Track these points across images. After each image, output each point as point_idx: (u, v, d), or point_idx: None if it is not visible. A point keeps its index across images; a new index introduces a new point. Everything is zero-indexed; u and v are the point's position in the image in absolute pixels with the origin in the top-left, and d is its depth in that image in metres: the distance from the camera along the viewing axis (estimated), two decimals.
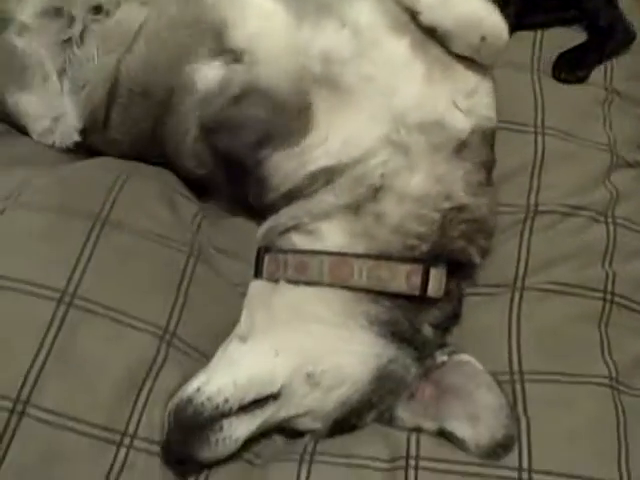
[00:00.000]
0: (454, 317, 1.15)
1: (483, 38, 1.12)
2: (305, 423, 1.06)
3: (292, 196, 1.14)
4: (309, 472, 1.03)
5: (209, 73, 1.17)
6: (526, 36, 1.49)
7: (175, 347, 1.08)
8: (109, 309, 1.06)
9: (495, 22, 1.12)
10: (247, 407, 0.99)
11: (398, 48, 1.13)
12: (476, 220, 1.13)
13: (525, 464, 1.02)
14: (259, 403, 1.00)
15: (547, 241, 1.23)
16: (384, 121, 1.11)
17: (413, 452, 1.04)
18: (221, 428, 0.98)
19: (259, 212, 1.21)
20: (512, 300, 1.18)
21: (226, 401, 0.98)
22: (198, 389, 0.98)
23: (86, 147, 1.35)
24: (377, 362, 1.06)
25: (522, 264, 1.21)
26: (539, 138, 1.31)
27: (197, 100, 1.18)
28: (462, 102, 1.13)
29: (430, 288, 1.08)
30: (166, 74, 1.23)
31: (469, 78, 1.15)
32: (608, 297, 1.18)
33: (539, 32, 1.50)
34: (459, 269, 1.14)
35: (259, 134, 1.13)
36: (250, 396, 0.99)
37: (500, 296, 1.19)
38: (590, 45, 1.48)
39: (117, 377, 1.03)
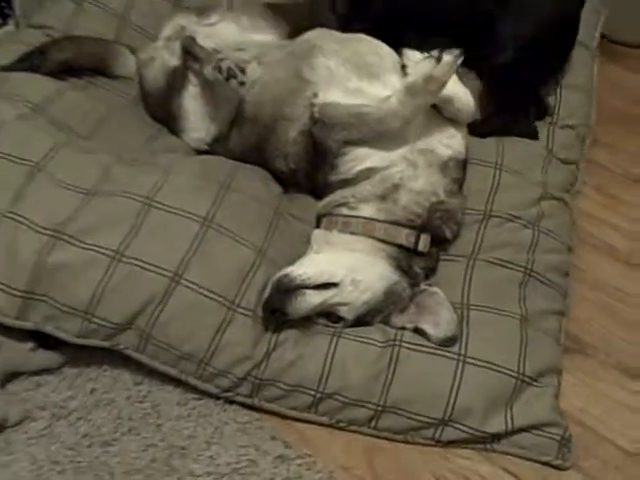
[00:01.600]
0: (433, 268, 1.86)
1: (459, 110, 1.86)
2: (343, 312, 1.72)
3: (346, 182, 1.85)
4: (337, 342, 1.72)
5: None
6: None
7: (267, 259, 1.78)
8: (229, 231, 1.77)
9: (467, 101, 1.86)
10: (318, 287, 1.68)
11: None
12: (449, 211, 1.85)
13: (462, 352, 1.70)
14: (326, 286, 1.68)
15: (494, 234, 1.92)
16: (404, 146, 1.83)
17: (398, 338, 1.74)
18: (303, 294, 1.66)
19: (320, 193, 1.92)
20: (467, 265, 1.87)
21: (308, 279, 1.66)
22: (291, 272, 1.67)
23: (210, 151, 2.10)
24: (388, 281, 1.75)
25: (477, 245, 1.91)
26: (497, 172, 2.01)
27: (305, 114, 1.88)
28: (445, 140, 1.86)
29: (419, 245, 1.80)
30: (271, 109, 1.97)
31: (450, 128, 1.88)
32: (527, 272, 1.85)
33: None
34: (438, 241, 1.86)
35: (357, 136, 1.81)
36: (322, 279, 1.67)
37: (461, 262, 1.88)
38: None
39: (232, 270, 1.73)
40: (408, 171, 1.82)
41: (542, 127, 2.18)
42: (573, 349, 1.87)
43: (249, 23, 2.15)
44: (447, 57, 1.71)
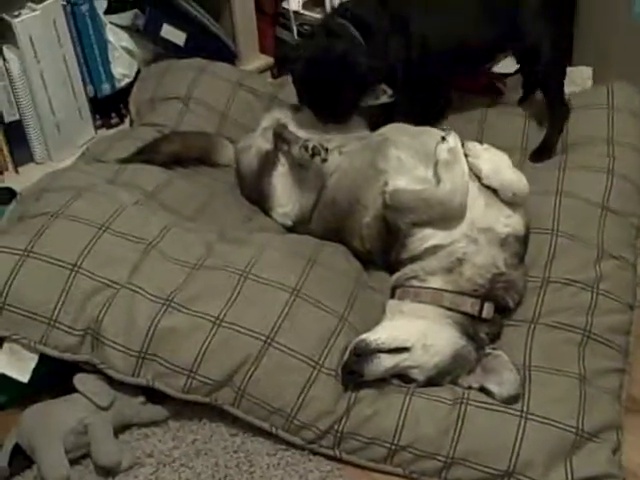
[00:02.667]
0: (497, 334, 2.04)
1: (514, 194, 2.05)
2: (414, 374, 1.91)
3: (415, 258, 2.07)
4: (410, 399, 1.91)
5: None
6: None
7: (348, 325, 2.00)
8: (316, 301, 2.01)
9: (521, 186, 2.05)
10: (392, 351, 1.88)
11: (473, 188, 2.05)
12: (510, 282, 2.04)
13: (525, 409, 1.86)
14: (399, 351, 1.89)
15: (553, 299, 2.09)
16: (465, 225, 2.04)
17: (466, 396, 1.91)
18: (378, 357, 1.86)
19: (392, 268, 2.15)
20: (529, 329, 2.04)
21: (382, 343, 1.87)
22: (367, 337, 1.88)
23: (293, 230, 2.37)
24: (455, 346, 1.93)
25: (537, 311, 2.08)
26: (553, 238, 2.20)
27: (378, 201, 2.12)
28: (503, 220, 2.04)
29: (483, 312, 1.99)
30: (348, 195, 2.22)
31: (509, 209, 2.06)
32: (586, 334, 2.01)
33: None
34: (501, 309, 2.05)
35: (423, 219, 2.04)
36: (395, 344, 1.88)
37: (523, 327, 2.05)
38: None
39: (317, 334, 1.96)
40: (470, 247, 2.03)
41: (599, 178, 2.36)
42: (635, 409, 2.00)
43: None
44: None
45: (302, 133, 2.37)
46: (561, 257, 2.18)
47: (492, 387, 1.92)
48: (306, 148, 2.24)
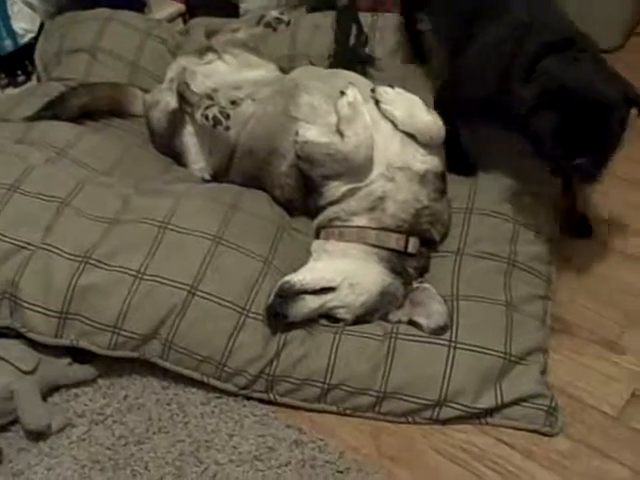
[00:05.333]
0: (424, 267, 2.05)
1: (431, 138, 2.03)
2: (342, 313, 1.92)
3: (334, 202, 2.05)
4: (340, 338, 1.91)
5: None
6: None
7: (273, 268, 1.98)
8: (238, 246, 1.98)
9: (437, 128, 2.02)
10: (317, 292, 1.87)
11: (387, 129, 2.04)
12: (434, 214, 2.04)
13: (453, 339, 1.89)
14: (324, 291, 1.88)
15: (476, 229, 2.11)
16: (381, 165, 2.02)
17: (395, 331, 1.92)
18: (303, 299, 1.85)
19: (314, 212, 2.12)
20: (455, 260, 2.06)
21: (307, 284, 1.86)
22: (291, 279, 1.87)
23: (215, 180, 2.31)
24: (382, 283, 1.94)
25: (462, 241, 2.10)
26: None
27: (293, 150, 2.07)
28: (420, 157, 2.03)
29: (409, 247, 1.99)
30: (264, 144, 2.17)
31: (425, 148, 2.04)
32: (511, 263, 2.04)
33: None
34: (427, 242, 2.05)
35: (332, 173, 2.03)
36: (320, 284, 1.87)
37: (449, 258, 2.07)
38: None
39: (242, 280, 1.93)
40: (388, 186, 2.01)
41: None
42: (559, 329, 2.04)
43: (241, 61, 2.37)
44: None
45: (210, 83, 2.30)
46: (483, 189, 2.20)
47: (420, 320, 1.93)
48: (207, 117, 2.17)
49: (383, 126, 2.04)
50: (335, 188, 2.03)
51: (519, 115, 1.87)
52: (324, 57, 2.55)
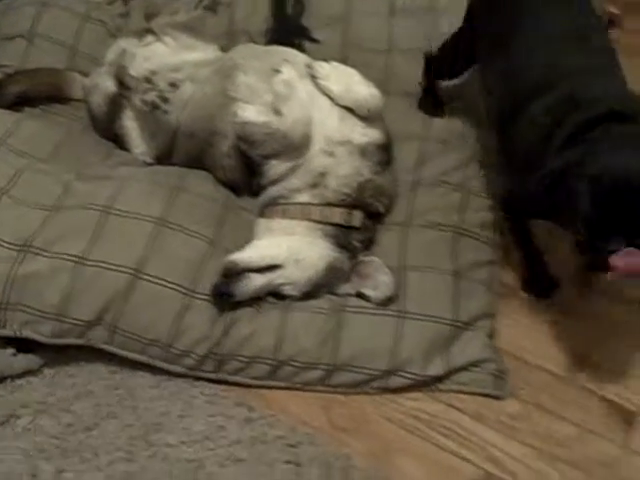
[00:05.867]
0: (371, 240, 2.04)
1: (369, 110, 2.02)
2: (289, 290, 1.91)
3: (276, 181, 2.03)
4: (287, 314, 1.90)
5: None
6: None
7: (219, 248, 1.96)
8: (183, 228, 1.96)
9: (375, 101, 2.01)
10: (263, 270, 1.87)
11: (325, 104, 2.02)
12: (378, 187, 2.03)
13: (401, 309, 1.89)
14: (270, 268, 1.88)
15: (423, 200, 2.11)
16: (321, 141, 2.00)
17: (342, 304, 1.92)
18: (247, 277, 1.85)
19: (257, 191, 2.10)
20: (402, 231, 2.06)
21: (251, 263, 1.85)
22: (235, 258, 1.86)
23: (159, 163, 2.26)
24: (328, 258, 1.93)
25: (409, 212, 2.09)
26: (422, 144, 2.21)
27: (233, 131, 2.05)
28: (360, 130, 2.02)
29: (353, 221, 1.98)
30: (205, 125, 2.13)
31: (365, 121, 2.03)
32: (458, 231, 2.04)
33: None
34: (372, 215, 2.04)
35: (271, 152, 2.01)
36: (264, 262, 1.87)
37: (396, 230, 2.07)
38: None
39: (187, 261, 1.91)
40: (329, 161, 2.00)
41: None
42: (506, 294, 2.05)
43: (181, 43, 2.33)
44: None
45: (150, 65, 2.25)
46: (430, 160, 2.20)
47: (368, 292, 1.93)
48: (145, 102, 2.14)
49: (321, 101, 2.03)
50: (276, 167, 2.02)
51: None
52: (263, 33, 2.51)
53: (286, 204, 2.02)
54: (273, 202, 2.03)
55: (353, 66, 2.09)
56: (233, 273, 1.84)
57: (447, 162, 2.20)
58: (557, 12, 1.86)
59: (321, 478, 1.70)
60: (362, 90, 2.02)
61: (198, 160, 2.19)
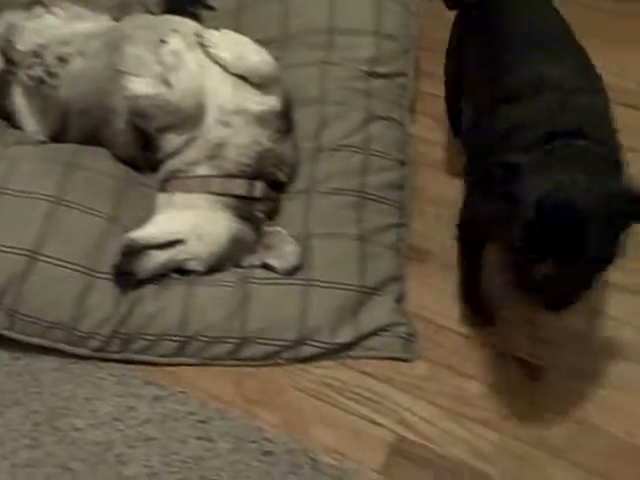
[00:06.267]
0: (274, 210, 2.02)
1: (261, 77, 1.99)
2: (193, 265, 1.88)
3: (173, 154, 1.98)
4: (193, 289, 1.87)
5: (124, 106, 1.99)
6: None
7: (120, 225, 1.91)
8: (81, 206, 1.90)
9: (268, 68, 1.98)
10: (164, 246, 1.83)
11: (216, 73, 1.97)
12: (278, 156, 2.01)
13: (307, 277, 1.88)
14: (172, 244, 1.84)
15: (325, 166, 2.07)
16: (215, 111, 1.96)
17: (248, 276, 1.91)
18: (148, 254, 1.81)
19: (156, 166, 2.03)
20: (306, 199, 2.02)
21: (152, 239, 1.81)
22: (135, 235, 1.81)
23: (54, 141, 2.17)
24: (231, 230, 1.90)
25: (312, 179, 2.06)
26: (321, 108, 2.17)
27: (126, 106, 1.99)
28: (255, 99, 1.98)
29: (255, 192, 1.96)
30: (97, 101, 2.05)
31: (260, 89, 1.99)
32: (361, 195, 2.02)
33: None
34: (274, 185, 2.02)
35: (165, 125, 1.96)
36: (165, 238, 1.83)
37: (299, 198, 2.04)
38: None
39: (87, 240, 1.86)
40: (225, 131, 1.96)
41: (365, 41, 2.30)
42: (416, 258, 2.06)
43: (71, 13, 2.24)
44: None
45: (39, 39, 2.16)
46: (330, 125, 2.16)
47: (273, 262, 1.91)
48: (31, 77, 2.06)
49: (212, 71, 1.98)
50: (172, 140, 1.96)
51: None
52: (158, 3, 2.44)
53: (185, 177, 1.97)
54: (172, 176, 1.98)
55: (249, 30, 2.06)
56: (133, 251, 1.80)
57: (346, 125, 2.16)
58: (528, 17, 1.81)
59: (233, 452, 1.69)
60: (254, 57, 1.98)
61: (94, 137, 2.11)
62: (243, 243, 1.93)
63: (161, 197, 1.98)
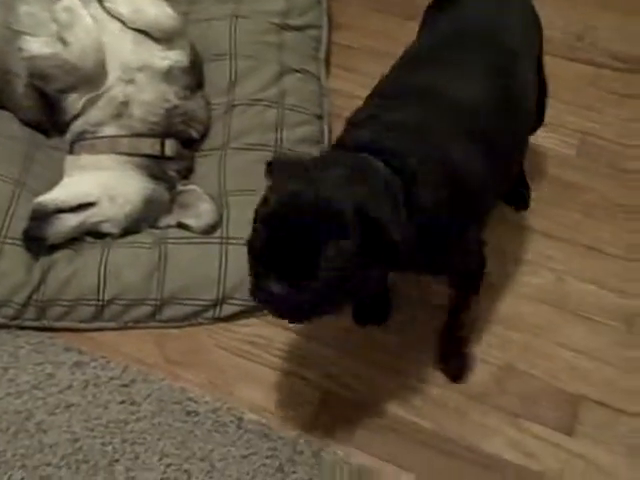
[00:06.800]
0: (189, 168, 1.99)
1: (162, 31, 1.94)
2: (107, 228, 1.85)
3: (78, 115, 1.93)
4: (108, 252, 1.84)
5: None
6: None
7: (28, 189, 1.87)
8: None
9: (169, 22, 1.94)
10: (76, 209, 1.79)
11: (115, 30, 1.93)
12: (187, 113, 1.97)
13: (224, 235, 1.86)
14: (83, 207, 1.80)
15: (240, 122, 2.05)
16: (117, 68, 1.91)
17: (165, 236, 1.87)
18: (59, 218, 1.76)
19: (62, 129, 1.98)
20: (220, 156, 2.00)
21: (62, 202, 1.77)
22: (44, 199, 1.77)
23: None
24: (144, 191, 1.87)
25: (226, 136, 2.03)
26: (232, 62, 2.13)
27: (25, 68, 1.93)
28: (159, 54, 1.94)
29: (166, 150, 1.92)
30: None
31: (163, 43, 1.95)
32: (278, 150, 2.01)
33: None
34: (187, 143, 1.99)
35: (65, 85, 1.91)
36: (76, 201, 1.79)
37: (214, 155, 2.01)
38: None
39: None
40: (129, 89, 1.91)
41: None
42: None
43: None
44: None
45: None
46: (243, 79, 2.13)
47: (189, 221, 1.89)
48: None
49: (111, 26, 1.93)
50: (74, 101, 1.91)
51: None
52: None
53: (93, 139, 1.92)
54: (80, 138, 1.93)
55: None
56: (43, 215, 1.75)
57: (259, 79, 2.14)
58: None
59: (157, 414, 1.67)
60: (152, 10, 1.93)
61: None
62: (157, 203, 1.89)
63: (69, 160, 1.93)
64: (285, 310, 1.33)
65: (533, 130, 1.82)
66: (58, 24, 1.86)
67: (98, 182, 1.84)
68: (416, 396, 1.74)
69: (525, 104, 1.58)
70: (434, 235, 1.33)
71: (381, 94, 1.54)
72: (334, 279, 1.23)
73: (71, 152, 1.95)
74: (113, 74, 1.90)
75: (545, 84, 1.82)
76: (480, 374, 1.76)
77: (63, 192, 1.81)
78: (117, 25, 1.93)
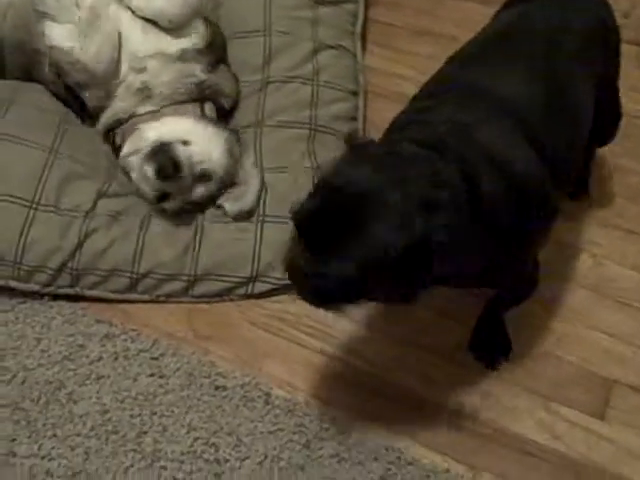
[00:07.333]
0: None
1: (170, 21, 1.92)
2: (209, 166, 1.83)
3: (102, 107, 1.93)
4: (147, 224, 1.85)
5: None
6: None
7: (60, 156, 1.88)
8: (16, 138, 1.87)
9: (176, 11, 1.91)
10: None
11: (125, 19, 1.91)
12: (212, 86, 1.96)
13: (261, 212, 1.86)
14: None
15: (274, 99, 2.04)
16: (128, 59, 1.89)
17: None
18: (177, 146, 1.78)
19: (92, 115, 1.97)
20: (255, 133, 1.99)
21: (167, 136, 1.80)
22: (152, 135, 1.81)
23: None
24: (222, 132, 1.89)
25: (260, 114, 2.02)
26: (266, 39, 2.12)
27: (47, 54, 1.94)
28: (170, 40, 1.92)
29: (207, 112, 1.93)
30: (26, 37, 1.98)
31: (174, 31, 1.92)
32: (312, 127, 2.00)
33: None
34: (219, 112, 1.98)
35: (79, 81, 1.91)
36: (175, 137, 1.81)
37: (249, 132, 2.00)
38: None
39: (26, 172, 1.83)
40: (144, 76, 1.90)
41: None
42: None
43: None
44: None
45: None
46: (277, 56, 2.11)
47: (226, 205, 1.88)
48: None
49: (123, 16, 1.92)
50: (91, 94, 1.92)
51: None
52: None
53: (142, 115, 1.91)
54: (115, 125, 1.93)
55: None
56: (163, 145, 1.77)
57: (294, 55, 2.11)
58: None
59: (185, 388, 1.68)
60: (158, 3, 1.91)
61: (30, 74, 2.04)
62: (234, 148, 1.91)
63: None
64: (310, 290, 1.29)
65: (602, 143, 1.82)
66: (81, 21, 1.87)
67: (182, 128, 1.85)
68: (444, 376, 1.73)
69: (580, 113, 1.52)
70: (495, 239, 1.29)
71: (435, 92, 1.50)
72: (366, 267, 1.18)
73: (112, 142, 1.95)
74: (125, 65, 1.90)
75: (617, 103, 1.79)
76: (515, 360, 1.75)
77: (164, 129, 1.82)
78: (128, 14, 1.92)
